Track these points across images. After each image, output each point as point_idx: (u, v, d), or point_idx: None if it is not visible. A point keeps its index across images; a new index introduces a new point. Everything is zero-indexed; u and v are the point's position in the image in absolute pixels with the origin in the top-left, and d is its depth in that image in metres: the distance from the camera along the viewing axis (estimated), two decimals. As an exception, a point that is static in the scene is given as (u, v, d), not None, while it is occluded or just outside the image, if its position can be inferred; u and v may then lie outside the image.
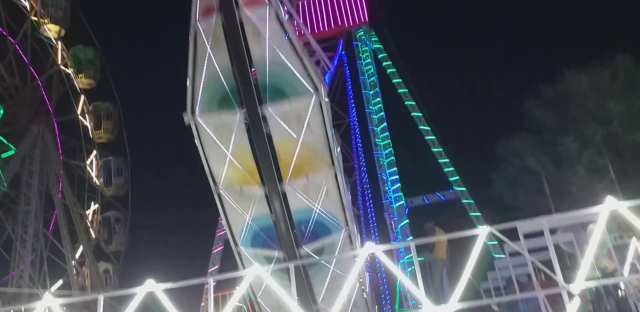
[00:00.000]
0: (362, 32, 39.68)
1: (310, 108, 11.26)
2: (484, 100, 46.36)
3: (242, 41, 10.70)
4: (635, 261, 11.73)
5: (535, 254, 10.62)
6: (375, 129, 36.47)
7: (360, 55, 39.38)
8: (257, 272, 10.09)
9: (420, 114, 36.90)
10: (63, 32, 37.82)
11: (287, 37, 11.00)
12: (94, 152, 38.73)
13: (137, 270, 36.77)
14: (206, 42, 10.91)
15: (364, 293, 14.71)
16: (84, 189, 38.21)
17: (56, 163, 36.13)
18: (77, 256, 35.35)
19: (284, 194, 11.82)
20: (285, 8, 11.91)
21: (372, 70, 38.55)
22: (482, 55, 57.30)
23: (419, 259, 11.30)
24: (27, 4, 36.47)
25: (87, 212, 37.81)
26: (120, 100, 39.67)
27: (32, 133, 34.93)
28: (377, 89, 37.83)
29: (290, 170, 11.73)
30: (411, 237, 30.08)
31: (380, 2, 39.93)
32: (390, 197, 33.66)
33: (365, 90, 38.41)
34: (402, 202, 33.14)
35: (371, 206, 37.85)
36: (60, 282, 34.31)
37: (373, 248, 9.95)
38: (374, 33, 40.07)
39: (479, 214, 33.23)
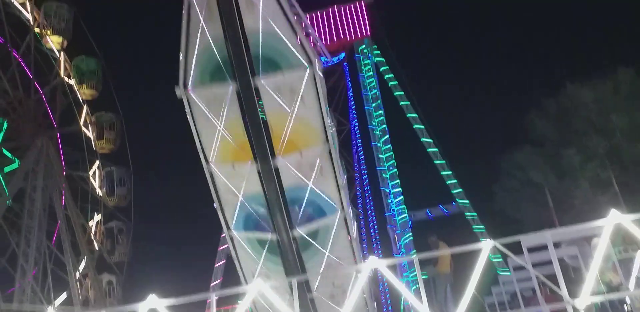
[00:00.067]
0: (364, 46, 39.93)
1: (304, 81, 10.97)
2: (487, 112, 46.21)
3: (235, 9, 10.43)
4: (640, 275, 11.63)
5: (539, 268, 10.53)
6: (378, 143, 36.54)
7: (363, 68, 39.63)
8: (259, 288, 9.98)
9: (423, 126, 37.01)
10: (66, 43, 37.76)
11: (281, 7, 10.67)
12: (97, 162, 38.56)
13: (140, 281, 36.67)
14: (199, 14, 10.71)
15: (366, 308, 14.54)
16: (87, 200, 38.07)
17: (59, 176, 36.04)
18: (81, 268, 35.12)
19: (277, 170, 11.49)
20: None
21: (374, 83, 38.81)
22: (487, 68, 57.28)
23: (423, 276, 11.09)
24: (29, 16, 36.50)
25: (90, 223, 37.63)
26: (122, 110, 39.55)
27: (36, 147, 34.73)
28: (379, 101, 38.05)
29: (284, 144, 11.45)
30: (414, 252, 29.94)
31: (382, 15, 40.24)
32: (393, 210, 33.63)
33: (367, 103, 38.58)
34: (405, 215, 33.08)
35: (374, 219, 37.80)
36: (64, 296, 34.01)
37: (376, 263, 9.87)
38: (375, 46, 40.26)
39: (482, 228, 32.99)
